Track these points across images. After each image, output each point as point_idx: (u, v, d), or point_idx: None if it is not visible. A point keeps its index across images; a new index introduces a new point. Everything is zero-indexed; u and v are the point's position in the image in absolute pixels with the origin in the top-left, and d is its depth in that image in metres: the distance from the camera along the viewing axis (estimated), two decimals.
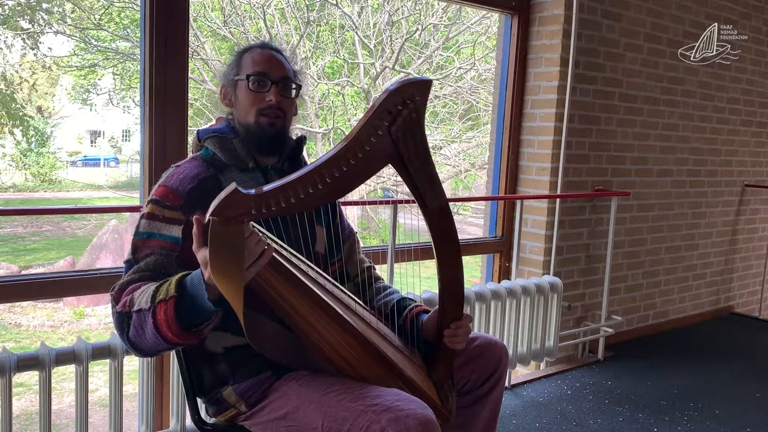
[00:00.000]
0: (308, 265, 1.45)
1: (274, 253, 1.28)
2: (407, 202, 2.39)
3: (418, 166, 1.31)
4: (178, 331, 1.23)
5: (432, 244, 1.39)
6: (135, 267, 1.37)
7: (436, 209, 1.35)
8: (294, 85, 1.51)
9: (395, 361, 1.38)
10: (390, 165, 1.31)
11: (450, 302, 1.43)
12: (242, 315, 1.17)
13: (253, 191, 1.16)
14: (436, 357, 1.48)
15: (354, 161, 1.24)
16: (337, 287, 1.50)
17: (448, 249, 1.39)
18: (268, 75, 1.47)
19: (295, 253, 1.43)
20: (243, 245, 1.16)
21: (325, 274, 1.50)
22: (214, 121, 1.60)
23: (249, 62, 1.49)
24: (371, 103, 1.28)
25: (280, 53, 1.53)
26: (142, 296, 1.29)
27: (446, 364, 1.48)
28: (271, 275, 1.28)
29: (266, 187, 1.18)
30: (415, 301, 1.62)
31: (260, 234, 1.21)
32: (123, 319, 1.31)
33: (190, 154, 1.56)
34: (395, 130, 1.26)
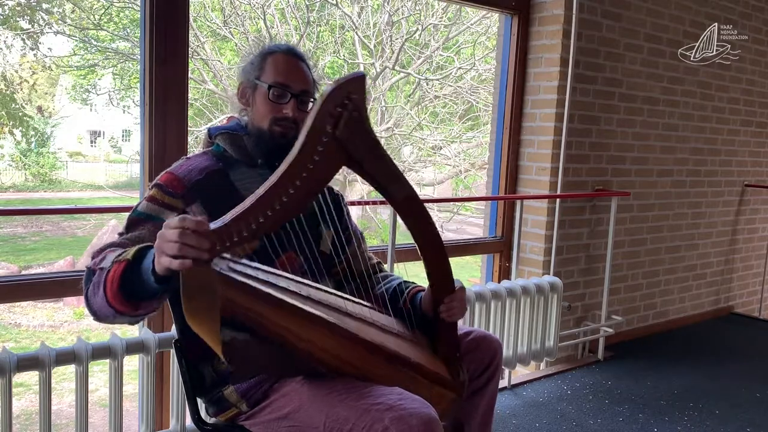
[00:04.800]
0: (298, 281, 1.43)
1: (264, 287, 1.26)
2: None
3: (372, 162, 1.31)
4: (115, 291, 1.21)
5: (410, 233, 1.41)
6: (127, 236, 1.38)
7: (403, 200, 1.36)
8: (312, 99, 1.52)
9: (398, 350, 1.38)
10: (347, 166, 1.29)
11: (438, 278, 1.45)
12: (223, 353, 1.18)
13: (212, 226, 1.14)
14: (439, 333, 1.50)
15: (306, 173, 1.22)
16: (333, 293, 1.49)
17: (423, 230, 1.41)
18: (290, 87, 1.48)
19: (280, 272, 1.40)
20: (216, 286, 1.15)
21: (317, 285, 1.48)
22: (225, 120, 1.62)
23: (272, 69, 1.48)
24: (310, 112, 1.26)
25: (304, 61, 1.53)
26: (111, 256, 1.29)
27: (449, 339, 1.50)
28: (261, 307, 1.25)
29: (218, 223, 1.16)
30: (414, 283, 1.63)
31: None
32: (89, 275, 1.31)
33: (199, 150, 1.59)
34: (340, 132, 1.24)
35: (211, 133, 1.56)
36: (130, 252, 1.23)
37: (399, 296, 1.60)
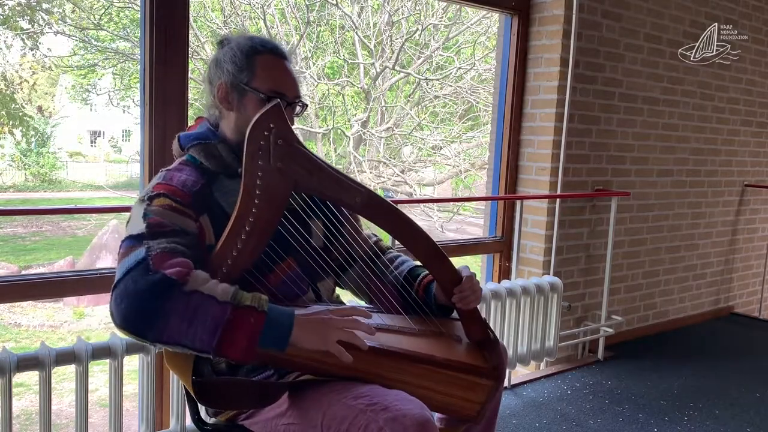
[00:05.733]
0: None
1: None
2: (407, 202, 2.40)
3: (317, 180, 1.32)
4: (253, 343, 1.20)
5: (390, 235, 1.42)
6: (167, 240, 1.25)
7: (362, 204, 1.36)
8: (301, 104, 1.48)
9: (421, 352, 1.37)
10: (295, 193, 1.34)
11: (438, 271, 1.44)
12: (193, 388, 1.30)
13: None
14: (463, 320, 1.48)
15: (256, 210, 1.29)
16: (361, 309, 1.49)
17: (400, 227, 1.40)
18: (285, 96, 1.42)
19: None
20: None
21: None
22: (194, 123, 1.54)
23: (265, 74, 1.41)
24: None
25: (289, 61, 1.48)
26: (214, 285, 1.22)
27: (474, 321, 1.48)
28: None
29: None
30: (425, 268, 1.58)
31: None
32: (168, 285, 1.18)
33: (175, 160, 1.49)
34: (273, 163, 1.29)
35: (183, 144, 1.47)
36: (261, 301, 1.23)
37: (411, 284, 1.56)
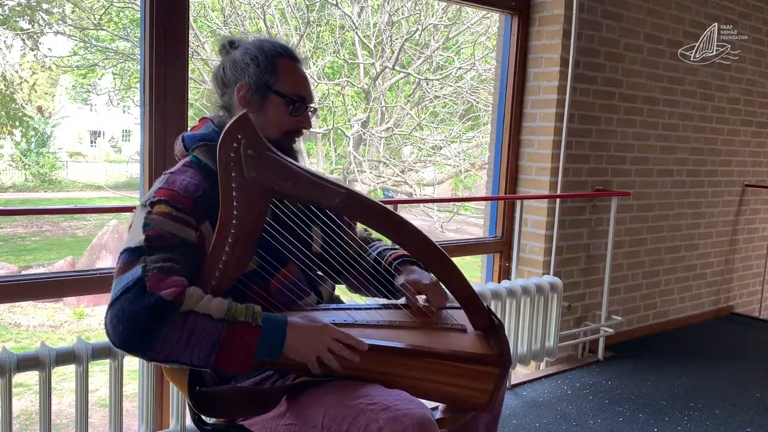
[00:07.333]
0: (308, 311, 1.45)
1: None
2: (407, 202, 2.40)
3: (293, 185, 1.31)
4: (251, 360, 1.23)
5: (380, 234, 1.42)
6: (164, 256, 1.26)
7: (341, 204, 1.34)
8: (312, 109, 1.50)
9: (425, 346, 1.36)
10: (275, 200, 1.34)
11: (432, 262, 1.43)
12: (190, 398, 1.32)
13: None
14: (465, 308, 1.46)
15: (236, 221, 1.30)
16: (340, 308, 1.50)
17: (388, 225, 1.37)
18: (305, 99, 1.46)
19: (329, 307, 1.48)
20: None
21: (324, 306, 1.50)
22: (198, 124, 1.52)
23: (289, 78, 1.44)
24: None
25: (304, 66, 1.51)
26: (208, 302, 1.24)
27: (476, 309, 1.45)
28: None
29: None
30: (395, 248, 1.62)
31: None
32: (164, 307, 1.19)
33: (178, 161, 1.49)
34: (247, 173, 1.29)
35: (187, 145, 1.46)
36: (256, 315, 1.25)
37: (379, 261, 1.60)
